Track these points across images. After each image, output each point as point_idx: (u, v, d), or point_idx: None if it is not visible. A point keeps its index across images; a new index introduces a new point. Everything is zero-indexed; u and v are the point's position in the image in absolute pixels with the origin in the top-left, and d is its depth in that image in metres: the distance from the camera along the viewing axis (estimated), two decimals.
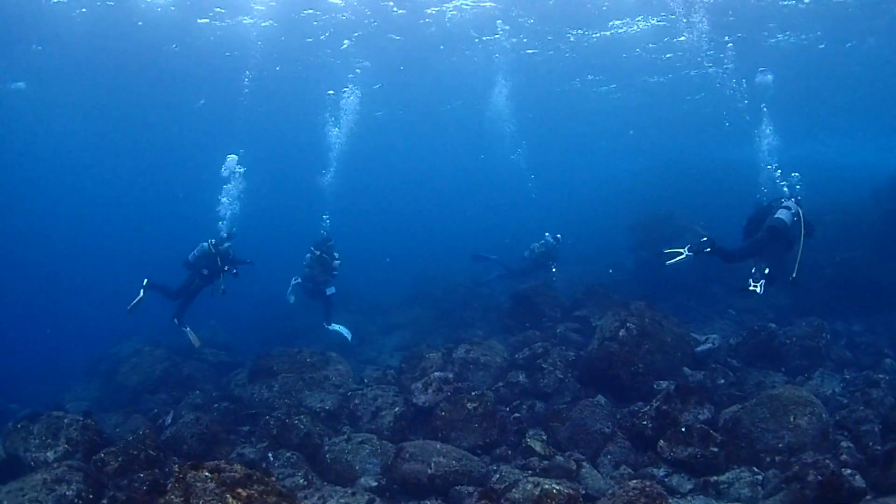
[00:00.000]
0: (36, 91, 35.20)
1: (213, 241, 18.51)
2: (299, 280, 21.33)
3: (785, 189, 17.28)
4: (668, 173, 45.62)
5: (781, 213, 15.55)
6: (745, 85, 31.45)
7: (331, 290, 21.01)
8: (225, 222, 20.49)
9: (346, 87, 33.56)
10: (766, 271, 15.26)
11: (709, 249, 15.54)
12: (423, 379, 14.49)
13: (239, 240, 19.38)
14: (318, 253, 20.59)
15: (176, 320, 19.11)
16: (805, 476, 8.92)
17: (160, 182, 64.20)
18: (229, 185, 21.76)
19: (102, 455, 11.17)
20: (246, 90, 34.00)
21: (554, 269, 24.04)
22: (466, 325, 24.17)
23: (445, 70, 34.99)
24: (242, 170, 21.66)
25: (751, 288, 15.48)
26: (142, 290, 18.23)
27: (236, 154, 22.09)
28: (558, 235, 24.67)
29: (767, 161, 22.52)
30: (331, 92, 34.50)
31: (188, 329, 19.19)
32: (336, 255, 20.97)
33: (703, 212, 30.47)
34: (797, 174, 18.26)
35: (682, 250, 15.68)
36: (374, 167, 57.62)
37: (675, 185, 41.48)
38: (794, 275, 14.81)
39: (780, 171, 18.33)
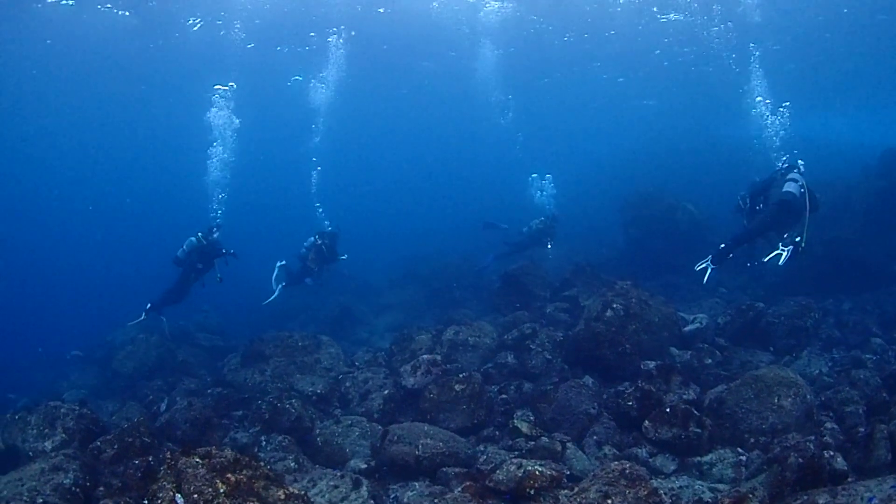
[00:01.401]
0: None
1: (201, 234, 18.71)
2: (284, 262, 21.50)
3: (782, 163, 17.25)
4: (658, 151, 45.61)
5: (789, 186, 15.49)
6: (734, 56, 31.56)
7: (309, 281, 21.25)
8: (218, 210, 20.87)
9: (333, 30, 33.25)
10: (797, 239, 15.22)
11: (731, 255, 15.78)
12: (412, 361, 14.70)
13: (226, 229, 19.59)
14: (319, 242, 20.72)
15: (149, 304, 19.43)
16: (786, 458, 8.97)
17: (151, 171, 64.41)
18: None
19: (98, 443, 11.37)
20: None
21: (549, 247, 24.21)
22: (457, 305, 24.28)
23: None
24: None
25: (779, 251, 15.55)
26: (143, 314, 19.12)
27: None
28: (555, 213, 24.88)
29: (757, 136, 22.68)
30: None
31: (141, 318, 19.52)
32: (344, 255, 21.23)
33: (693, 189, 30.60)
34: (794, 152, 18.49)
35: (707, 264, 15.95)
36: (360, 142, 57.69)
37: (666, 163, 41.47)
38: (803, 244, 14.96)
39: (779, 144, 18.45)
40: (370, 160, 68.93)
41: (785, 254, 15.38)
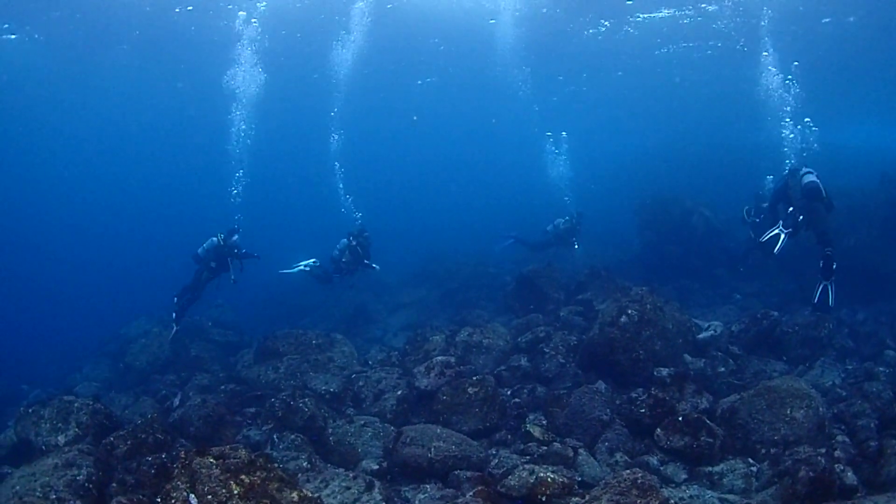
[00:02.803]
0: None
1: (223, 234, 18.92)
2: (316, 263, 21.51)
3: (789, 167, 17.29)
4: (675, 154, 45.41)
5: (808, 178, 15.66)
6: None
7: (337, 277, 21.34)
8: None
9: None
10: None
11: (834, 265, 15.84)
12: (425, 362, 14.74)
13: (246, 230, 19.74)
14: (353, 243, 20.75)
15: (174, 314, 19.73)
16: (797, 471, 8.98)
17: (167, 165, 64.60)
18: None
19: (112, 439, 11.43)
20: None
21: (577, 246, 24.23)
22: (471, 306, 24.24)
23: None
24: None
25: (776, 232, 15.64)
26: (174, 325, 19.57)
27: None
28: (581, 211, 24.88)
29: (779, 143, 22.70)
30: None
31: (176, 328, 19.75)
32: (376, 266, 21.30)
33: (710, 194, 30.48)
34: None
35: (826, 284, 16.02)
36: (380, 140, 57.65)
37: (683, 167, 41.28)
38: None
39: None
40: (387, 156, 68.74)
41: (783, 236, 15.47)
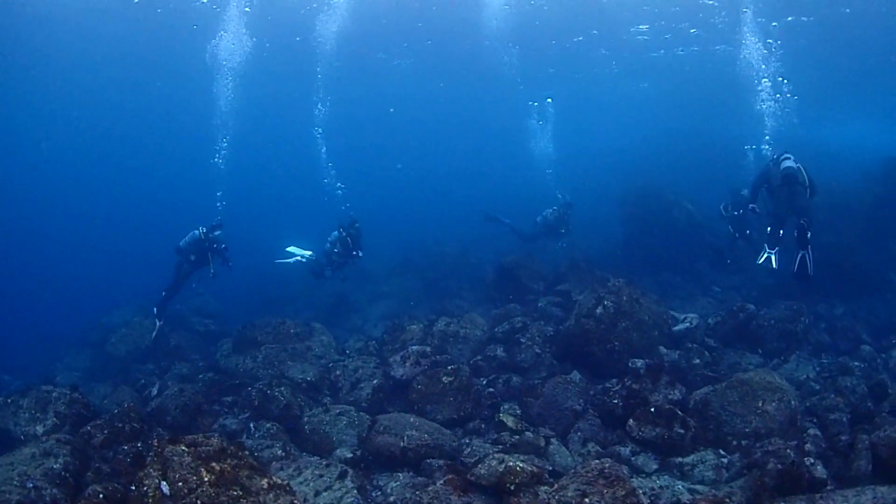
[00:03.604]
0: None
1: (205, 228, 18.95)
2: (313, 257, 21.48)
3: (771, 155, 17.38)
4: (659, 148, 45.49)
5: (787, 163, 15.68)
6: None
7: (328, 272, 21.32)
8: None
9: None
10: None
11: (780, 231, 15.82)
12: (401, 352, 14.89)
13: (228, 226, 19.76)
14: (344, 234, 20.73)
15: (156, 310, 19.72)
16: (765, 463, 9.08)
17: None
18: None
19: (89, 428, 11.58)
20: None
21: (563, 231, 24.30)
22: (452, 296, 24.32)
23: None
24: None
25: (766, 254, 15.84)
26: (157, 321, 19.51)
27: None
28: (570, 201, 24.95)
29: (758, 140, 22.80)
30: None
31: (160, 323, 19.72)
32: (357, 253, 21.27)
33: (693, 188, 30.61)
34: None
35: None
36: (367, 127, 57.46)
37: (666, 160, 41.37)
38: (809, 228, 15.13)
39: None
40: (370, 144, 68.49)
41: (774, 257, 15.60)
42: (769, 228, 16.17)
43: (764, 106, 25.39)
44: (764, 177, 16.68)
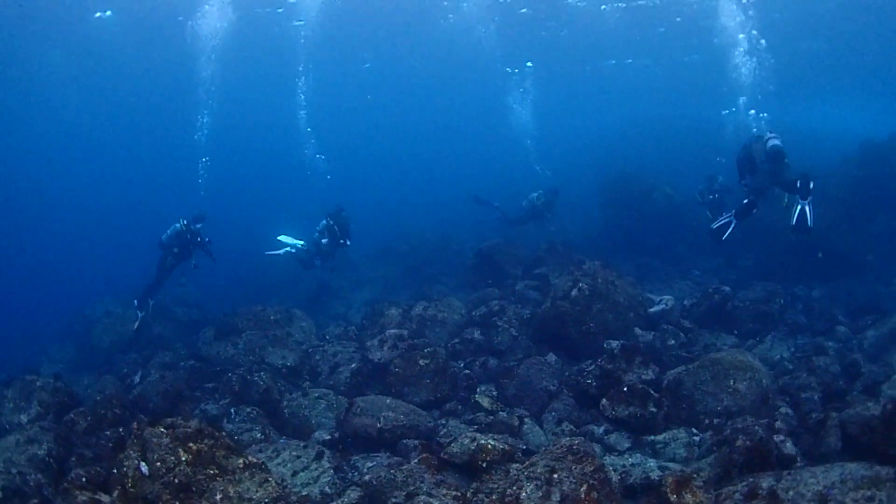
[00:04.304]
0: None
1: (186, 221, 19.09)
2: (304, 247, 21.54)
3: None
4: (639, 132, 45.64)
5: (773, 141, 15.76)
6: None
7: (318, 262, 21.40)
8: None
9: None
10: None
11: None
12: (379, 336, 15.08)
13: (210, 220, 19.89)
14: (331, 223, 20.76)
15: (136, 301, 19.93)
16: (735, 440, 9.15)
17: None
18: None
19: (72, 415, 11.88)
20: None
21: (549, 215, 24.44)
22: (433, 281, 24.48)
23: None
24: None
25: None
26: (137, 312, 19.70)
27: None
28: (555, 187, 25.10)
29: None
30: None
31: (141, 315, 19.87)
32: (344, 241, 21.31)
33: (672, 172, 30.81)
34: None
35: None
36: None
37: (647, 144, 41.54)
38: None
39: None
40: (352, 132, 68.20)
41: (731, 228, 15.84)
42: (745, 200, 16.34)
43: (740, 62, 25.54)
44: (748, 156, 16.73)
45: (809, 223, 15.30)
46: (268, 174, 68.81)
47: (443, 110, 62.59)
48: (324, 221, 20.87)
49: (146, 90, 46.75)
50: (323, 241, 20.85)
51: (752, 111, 22.65)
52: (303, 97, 31.84)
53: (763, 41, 25.46)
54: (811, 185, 15.20)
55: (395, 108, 59.57)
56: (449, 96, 55.96)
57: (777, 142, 15.76)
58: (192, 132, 26.11)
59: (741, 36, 26.37)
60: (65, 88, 43.31)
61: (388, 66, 44.70)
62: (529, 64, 30.71)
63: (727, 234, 16.48)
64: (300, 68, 35.89)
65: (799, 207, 15.36)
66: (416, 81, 49.97)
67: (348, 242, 20.62)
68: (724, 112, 23.81)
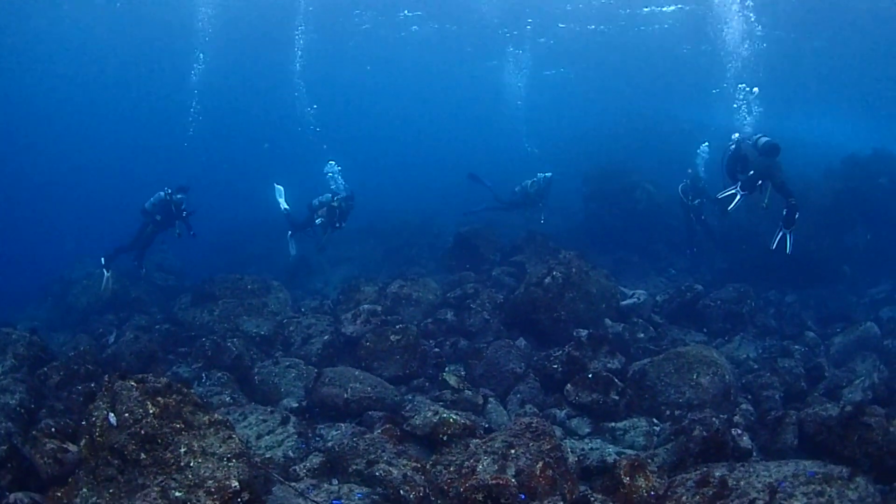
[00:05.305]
0: None
1: (170, 190, 19.16)
2: (285, 211, 21.57)
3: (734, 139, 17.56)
4: (624, 129, 45.65)
5: (765, 138, 15.75)
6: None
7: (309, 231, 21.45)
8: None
9: None
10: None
11: (797, 214, 15.80)
12: (354, 310, 15.29)
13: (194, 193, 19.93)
14: (335, 204, 20.72)
15: (103, 259, 19.79)
16: (692, 430, 9.40)
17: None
18: None
19: (46, 369, 12.06)
20: None
21: (541, 205, 24.49)
22: (413, 263, 24.77)
23: None
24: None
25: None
26: (104, 270, 19.56)
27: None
28: (549, 175, 25.13)
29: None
30: None
31: (108, 274, 19.81)
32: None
33: (655, 170, 30.93)
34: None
35: (783, 232, 15.94)
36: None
37: (631, 142, 41.58)
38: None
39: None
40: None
41: (739, 196, 15.96)
42: (739, 191, 16.40)
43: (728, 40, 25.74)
44: (740, 156, 16.72)
45: (788, 251, 15.51)
46: (259, 129, 68.05)
47: (441, 90, 62.42)
48: (329, 195, 20.85)
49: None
50: (318, 213, 20.85)
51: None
52: (300, 54, 31.65)
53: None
54: (797, 216, 15.41)
55: (391, 83, 59.26)
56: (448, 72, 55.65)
57: (770, 138, 15.88)
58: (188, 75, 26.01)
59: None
60: (52, 30, 42.64)
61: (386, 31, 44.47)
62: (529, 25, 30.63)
63: (733, 205, 16.46)
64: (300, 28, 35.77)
65: (780, 234, 15.59)
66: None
67: (343, 225, 20.71)
68: (713, 91, 23.97)
